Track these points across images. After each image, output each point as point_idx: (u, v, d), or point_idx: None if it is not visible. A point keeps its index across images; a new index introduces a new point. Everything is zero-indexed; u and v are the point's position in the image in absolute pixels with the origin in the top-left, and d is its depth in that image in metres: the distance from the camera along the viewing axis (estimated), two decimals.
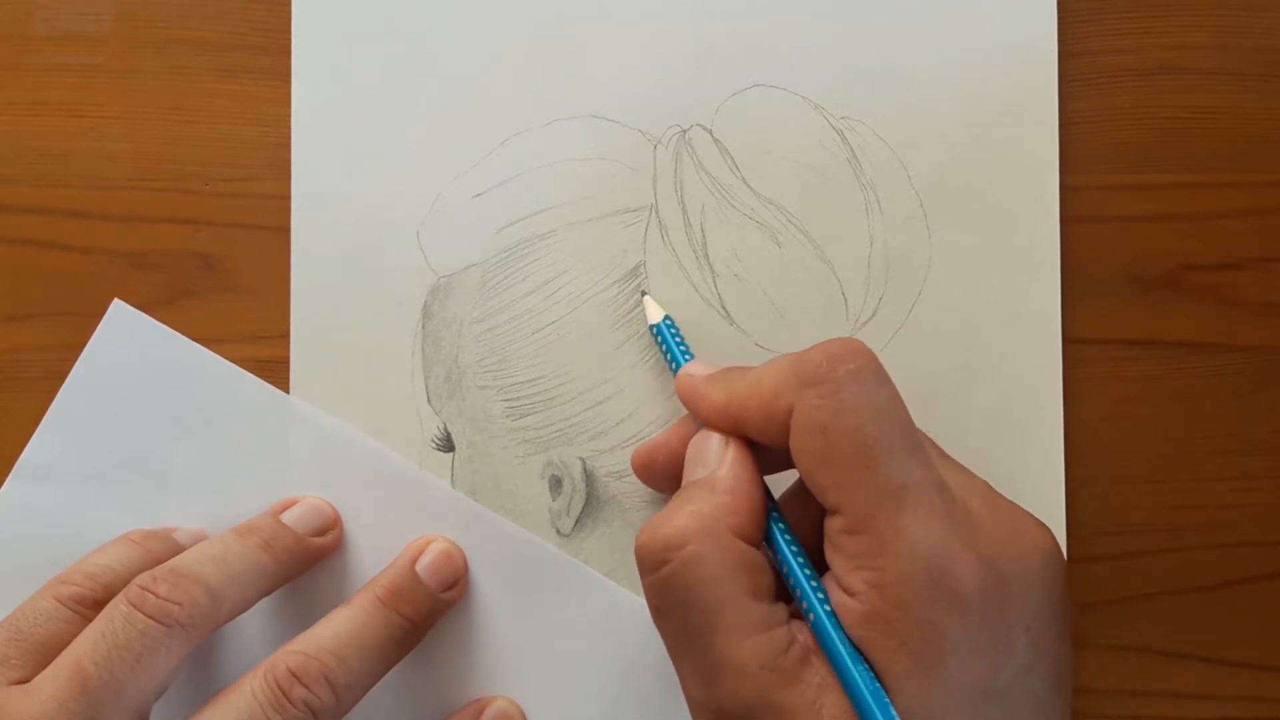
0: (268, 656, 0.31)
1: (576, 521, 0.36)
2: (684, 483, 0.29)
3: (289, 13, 0.37)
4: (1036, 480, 0.36)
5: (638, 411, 0.36)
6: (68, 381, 0.37)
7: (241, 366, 0.37)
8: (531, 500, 0.37)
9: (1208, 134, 0.36)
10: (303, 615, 0.36)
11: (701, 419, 0.30)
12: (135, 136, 0.37)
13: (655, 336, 0.35)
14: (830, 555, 0.27)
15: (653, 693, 0.36)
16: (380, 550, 0.36)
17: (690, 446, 0.30)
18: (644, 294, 0.36)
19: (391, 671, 0.33)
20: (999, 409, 0.36)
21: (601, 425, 0.36)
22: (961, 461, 0.29)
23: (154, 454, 0.37)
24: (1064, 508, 0.36)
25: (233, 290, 0.37)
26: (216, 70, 0.37)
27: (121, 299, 0.37)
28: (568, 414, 0.36)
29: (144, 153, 0.37)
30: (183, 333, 0.37)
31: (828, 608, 0.26)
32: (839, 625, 0.26)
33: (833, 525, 0.26)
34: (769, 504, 0.29)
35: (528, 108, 0.37)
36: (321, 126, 0.37)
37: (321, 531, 0.36)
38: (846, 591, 0.26)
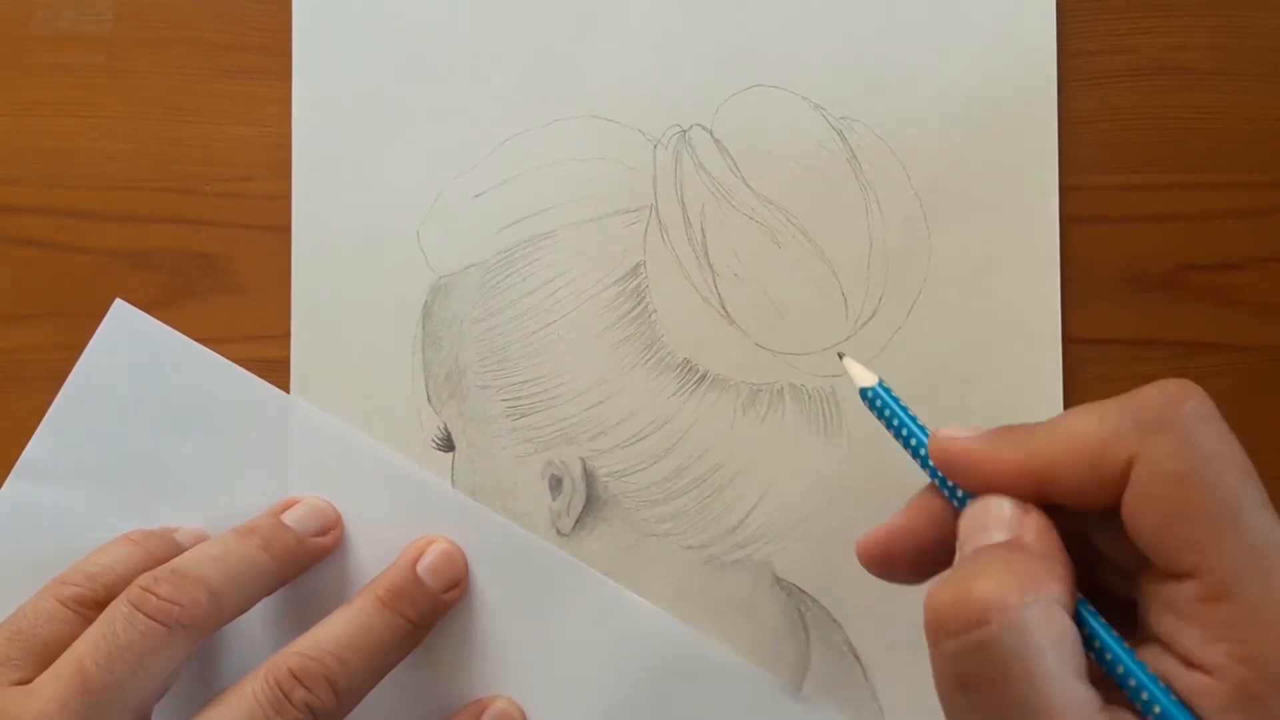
0: (269, 657, 0.31)
1: (576, 521, 0.36)
2: (970, 550, 0.25)
3: (289, 13, 0.37)
4: None
5: (638, 411, 0.36)
6: (68, 381, 0.37)
7: (241, 366, 0.37)
8: (531, 500, 0.37)
9: (1208, 134, 0.36)
10: (303, 615, 0.36)
11: (985, 485, 0.26)
12: (135, 136, 0.37)
13: (871, 403, 0.29)
14: (1174, 628, 0.23)
15: (652, 692, 0.36)
16: (380, 550, 0.36)
17: (969, 515, 0.26)
18: (842, 356, 0.30)
19: (392, 672, 0.33)
20: (999, 409, 0.36)
21: (601, 425, 0.36)
22: None
23: (154, 454, 0.37)
24: None
25: (233, 290, 0.37)
26: (216, 70, 0.37)
27: (122, 299, 0.37)
28: (568, 414, 0.36)
29: (144, 153, 0.37)
30: (183, 333, 0.37)
31: (1174, 697, 0.22)
32: (1189, 713, 0.22)
33: (1182, 592, 0.23)
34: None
35: (528, 108, 0.37)
36: (321, 126, 0.37)
37: (322, 532, 0.36)
38: (1201, 669, 0.22)
